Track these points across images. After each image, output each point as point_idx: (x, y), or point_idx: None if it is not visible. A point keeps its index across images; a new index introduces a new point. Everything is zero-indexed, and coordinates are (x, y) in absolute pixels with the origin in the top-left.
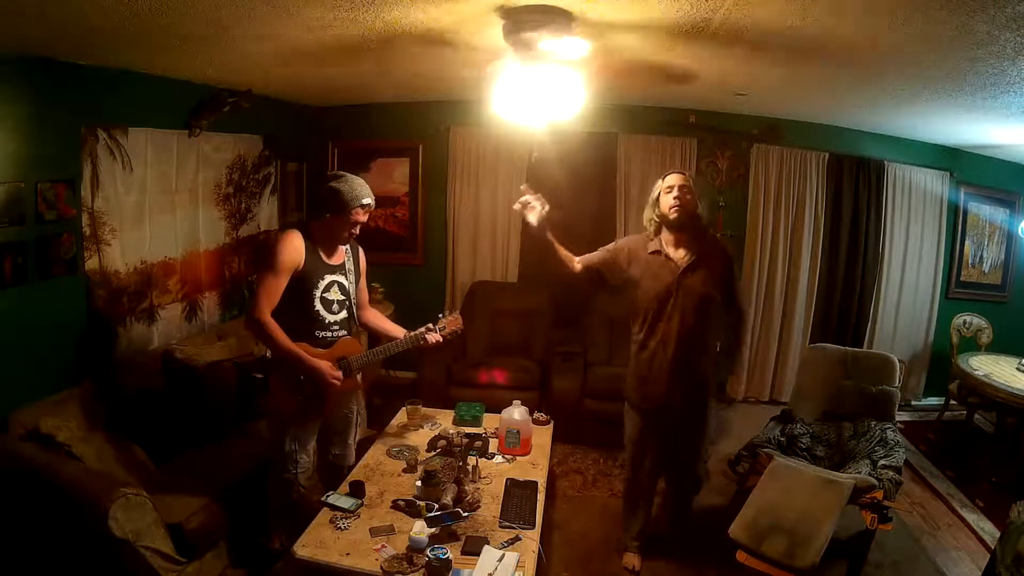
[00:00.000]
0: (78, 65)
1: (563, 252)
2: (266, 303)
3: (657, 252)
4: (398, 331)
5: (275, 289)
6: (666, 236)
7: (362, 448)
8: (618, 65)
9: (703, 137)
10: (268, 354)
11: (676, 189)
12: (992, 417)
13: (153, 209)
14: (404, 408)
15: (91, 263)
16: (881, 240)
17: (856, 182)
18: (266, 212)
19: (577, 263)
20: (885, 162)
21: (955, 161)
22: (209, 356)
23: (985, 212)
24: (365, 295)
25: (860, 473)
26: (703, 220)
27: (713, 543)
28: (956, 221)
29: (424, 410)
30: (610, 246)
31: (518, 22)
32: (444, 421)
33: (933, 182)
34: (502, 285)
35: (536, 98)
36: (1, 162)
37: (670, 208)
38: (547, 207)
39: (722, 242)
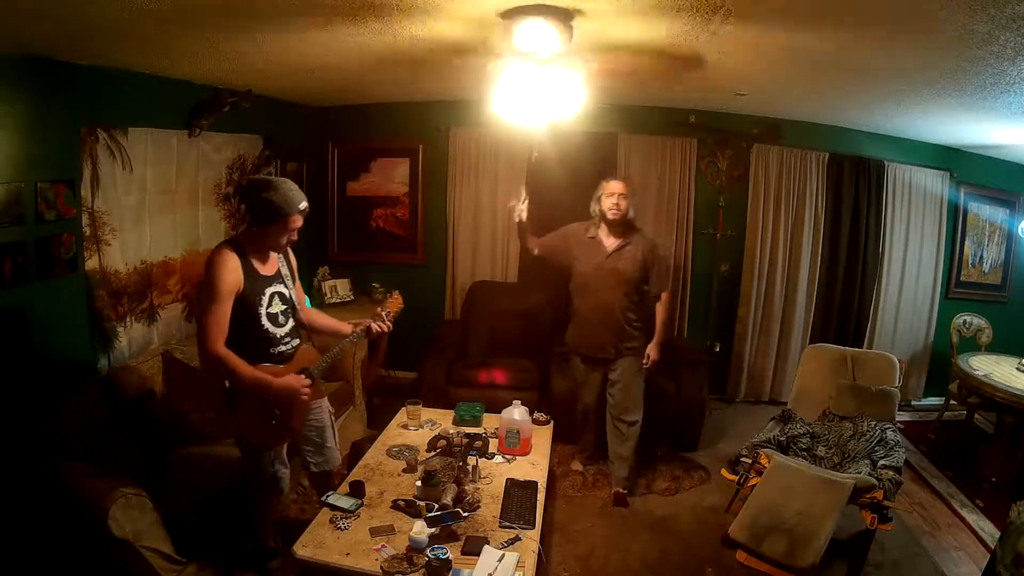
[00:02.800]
0: (78, 65)
1: (530, 238)
2: (218, 335)
3: (593, 238)
4: (344, 327)
5: (223, 317)
6: (603, 227)
7: (362, 448)
8: (619, 63)
9: (703, 137)
10: (227, 384)
11: (616, 196)
12: (992, 417)
13: (153, 209)
14: (404, 408)
15: (91, 263)
16: (881, 240)
17: (856, 182)
18: None
19: (533, 246)
20: (885, 162)
21: (955, 161)
22: None
23: (985, 212)
24: (301, 296)
25: (860, 473)
26: (633, 220)
27: (713, 543)
28: (956, 221)
29: (424, 410)
30: (559, 231)
31: (518, 22)
32: (444, 421)
33: (933, 182)
34: (502, 285)
35: (536, 98)
36: (1, 162)
37: (609, 210)
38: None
39: (650, 237)
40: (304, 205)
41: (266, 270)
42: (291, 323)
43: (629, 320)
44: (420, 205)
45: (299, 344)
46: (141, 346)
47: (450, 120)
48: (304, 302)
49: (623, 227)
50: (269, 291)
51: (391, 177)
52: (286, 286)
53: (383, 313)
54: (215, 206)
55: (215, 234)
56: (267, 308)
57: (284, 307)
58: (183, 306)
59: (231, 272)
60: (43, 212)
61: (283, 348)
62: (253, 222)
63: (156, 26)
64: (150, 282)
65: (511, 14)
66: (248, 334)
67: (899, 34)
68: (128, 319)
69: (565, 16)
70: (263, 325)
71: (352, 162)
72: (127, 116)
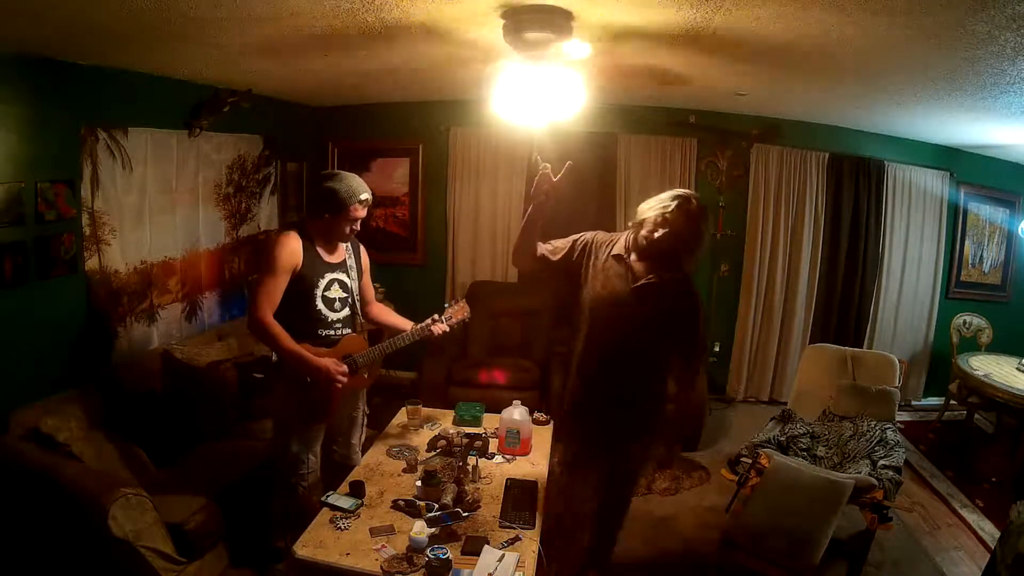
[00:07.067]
0: (78, 65)
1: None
2: (267, 305)
3: (619, 257)
4: (405, 324)
5: (275, 290)
6: (636, 249)
7: (362, 448)
8: (618, 65)
9: (703, 137)
10: (273, 357)
11: (672, 238)
12: (992, 417)
13: (153, 209)
14: (404, 408)
15: (91, 263)
16: (881, 240)
17: (856, 182)
18: (266, 212)
19: (539, 247)
20: (885, 162)
21: (955, 161)
22: (209, 356)
23: (985, 212)
24: (370, 291)
25: (860, 473)
26: (687, 263)
27: (713, 543)
28: (956, 221)
29: (424, 410)
30: (572, 236)
31: (518, 22)
32: (444, 421)
33: (933, 182)
34: (502, 285)
35: (536, 98)
36: (1, 162)
37: (650, 236)
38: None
39: (694, 286)
40: (365, 196)
41: (331, 257)
42: (346, 311)
43: (652, 392)
44: (420, 205)
45: (349, 333)
46: (141, 346)
47: (450, 120)
48: (374, 297)
49: (664, 260)
50: (329, 276)
51: (391, 177)
52: (349, 277)
53: (444, 317)
54: (215, 206)
55: (215, 234)
56: (324, 291)
57: (344, 295)
58: (183, 306)
59: (289, 251)
60: (43, 212)
61: (331, 332)
62: (313, 210)
63: (155, 29)
64: (150, 282)
65: (511, 14)
66: (300, 311)
67: (898, 34)
68: (128, 319)
69: (565, 16)
70: (317, 306)
71: (352, 162)
72: (127, 116)
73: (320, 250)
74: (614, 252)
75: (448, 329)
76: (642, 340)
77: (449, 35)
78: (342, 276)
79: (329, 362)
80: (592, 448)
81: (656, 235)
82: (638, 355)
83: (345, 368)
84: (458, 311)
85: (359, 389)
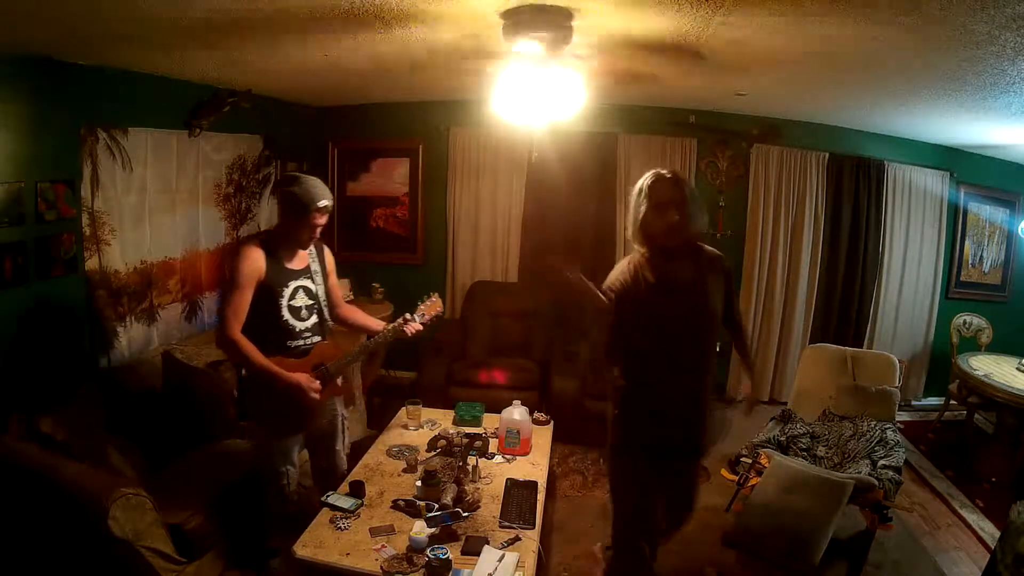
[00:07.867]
0: (78, 65)
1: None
2: (234, 320)
3: (657, 280)
4: (377, 325)
5: (241, 305)
6: (654, 253)
7: (362, 448)
8: (618, 65)
9: (703, 137)
10: (243, 372)
11: (671, 210)
12: (992, 417)
13: (153, 209)
14: (404, 408)
15: (91, 263)
16: (881, 240)
17: (856, 182)
18: (266, 212)
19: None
20: (885, 162)
21: (955, 161)
22: (209, 356)
23: (985, 212)
24: (338, 293)
25: (860, 473)
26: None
27: (713, 543)
28: (956, 221)
29: (424, 410)
30: (615, 282)
31: (518, 22)
32: (444, 421)
33: (933, 182)
34: (502, 285)
35: (536, 98)
36: (1, 162)
37: (663, 230)
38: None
39: (715, 252)
40: (324, 203)
41: (293, 264)
42: (314, 319)
43: (714, 374)
44: (420, 205)
45: (319, 341)
46: (141, 346)
47: (450, 120)
48: (342, 299)
49: (687, 245)
50: (293, 284)
51: (391, 177)
52: (314, 282)
53: (417, 315)
54: (215, 206)
55: (215, 234)
56: (289, 300)
57: (310, 302)
58: (183, 306)
59: (252, 262)
60: (43, 212)
61: (300, 343)
62: (278, 216)
63: (157, 32)
64: (150, 282)
65: (511, 14)
66: (268, 324)
67: (898, 34)
68: (128, 319)
69: (565, 16)
70: (283, 317)
71: (352, 162)
72: (127, 116)
73: (283, 258)
74: (649, 279)
75: (422, 327)
76: (701, 330)
77: (449, 35)
78: (307, 283)
79: (302, 377)
80: (674, 465)
81: (670, 221)
82: (702, 346)
83: (318, 384)
84: (431, 307)
85: (336, 396)
